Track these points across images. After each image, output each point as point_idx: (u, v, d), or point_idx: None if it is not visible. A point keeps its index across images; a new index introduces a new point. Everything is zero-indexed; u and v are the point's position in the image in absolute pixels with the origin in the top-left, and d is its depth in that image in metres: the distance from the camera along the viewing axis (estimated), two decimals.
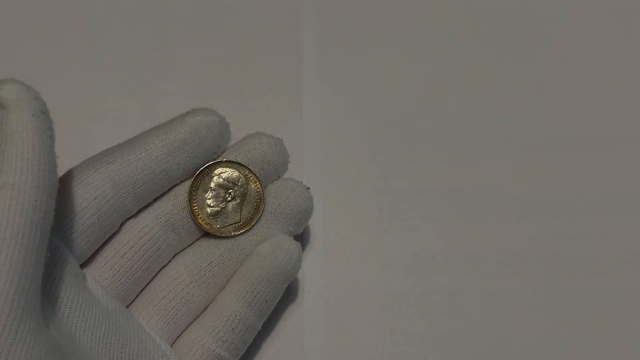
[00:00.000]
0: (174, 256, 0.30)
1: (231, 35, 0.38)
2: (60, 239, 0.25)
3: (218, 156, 0.30)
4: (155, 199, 0.29)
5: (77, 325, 0.24)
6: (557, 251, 0.34)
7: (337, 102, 0.37)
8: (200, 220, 0.29)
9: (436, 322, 0.33)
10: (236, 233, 0.29)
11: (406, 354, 0.32)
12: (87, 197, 0.26)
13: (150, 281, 0.29)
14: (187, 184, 0.29)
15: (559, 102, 0.37)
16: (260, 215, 0.29)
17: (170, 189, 0.29)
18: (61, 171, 0.28)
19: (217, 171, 0.29)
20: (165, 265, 0.29)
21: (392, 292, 0.33)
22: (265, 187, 0.30)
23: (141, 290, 0.29)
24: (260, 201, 0.29)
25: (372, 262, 0.34)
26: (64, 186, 0.26)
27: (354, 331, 0.32)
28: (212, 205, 0.29)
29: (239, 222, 0.29)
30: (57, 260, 0.25)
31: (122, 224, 0.28)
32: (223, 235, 0.29)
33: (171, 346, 0.28)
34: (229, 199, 0.29)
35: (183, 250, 0.30)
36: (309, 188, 0.30)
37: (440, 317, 0.33)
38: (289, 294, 0.33)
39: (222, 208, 0.29)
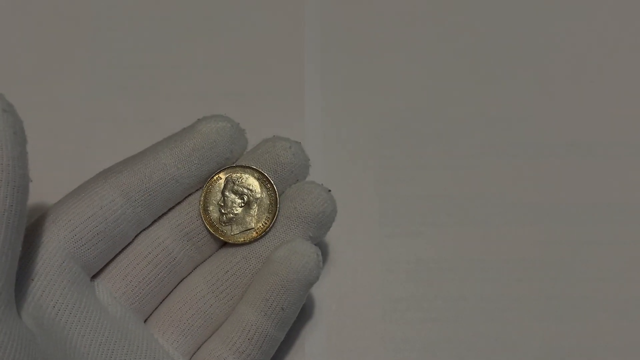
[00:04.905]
0: (195, 268, 0.29)
1: (233, 38, 0.37)
2: (63, 247, 0.25)
3: (232, 162, 0.29)
4: (170, 209, 0.28)
5: (75, 329, 0.24)
6: (561, 257, 0.34)
7: (340, 106, 0.36)
8: (213, 228, 0.28)
9: (438, 328, 0.33)
10: (251, 240, 0.28)
11: (408, 359, 0.32)
12: (93, 206, 0.26)
13: (169, 293, 0.28)
14: (201, 192, 0.28)
15: (563, 108, 0.37)
16: (275, 220, 0.28)
17: (185, 198, 0.29)
18: (65, 177, 0.28)
19: (229, 177, 0.28)
20: (185, 277, 0.29)
21: (394, 298, 0.33)
22: (282, 192, 0.29)
23: (161, 302, 0.28)
24: (274, 206, 0.28)
25: (374, 267, 0.34)
26: (72, 197, 0.26)
27: (355, 336, 0.32)
28: (224, 212, 0.28)
29: (253, 228, 0.28)
30: (56, 267, 0.25)
31: (137, 235, 0.28)
32: (238, 242, 0.28)
33: (189, 359, 0.27)
34: (243, 204, 0.28)
35: (204, 261, 0.29)
36: (330, 190, 0.29)
37: (442, 323, 0.33)
38: None
39: (236, 214, 0.28)
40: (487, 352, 0.32)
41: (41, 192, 0.29)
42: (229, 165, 0.29)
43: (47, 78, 0.36)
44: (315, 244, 0.29)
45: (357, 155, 0.36)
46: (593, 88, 0.37)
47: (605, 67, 0.38)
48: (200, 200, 0.28)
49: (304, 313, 0.33)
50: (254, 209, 0.29)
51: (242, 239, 0.28)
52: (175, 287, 0.28)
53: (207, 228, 0.28)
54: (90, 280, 0.27)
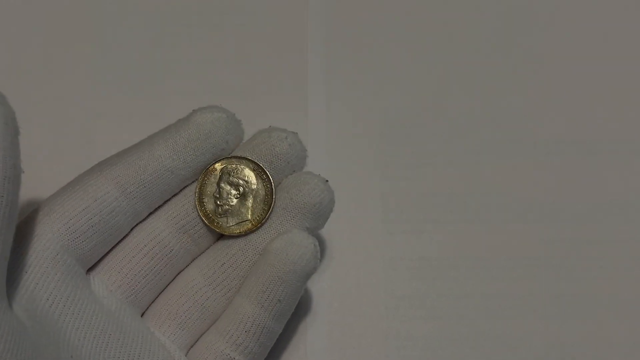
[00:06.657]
0: (192, 260, 0.29)
1: (237, 35, 0.38)
2: (57, 239, 0.25)
3: (228, 153, 0.29)
4: (166, 202, 0.28)
5: (69, 322, 0.24)
6: (564, 255, 0.34)
7: (343, 103, 0.36)
8: (208, 220, 0.28)
9: (441, 326, 0.32)
10: (246, 231, 0.28)
11: (410, 357, 0.32)
12: (87, 198, 0.26)
13: (167, 286, 0.28)
14: (196, 184, 0.28)
15: (566, 106, 0.37)
16: (271, 212, 0.28)
17: (181, 190, 0.28)
18: (68, 172, 0.28)
19: (224, 168, 0.28)
20: (182, 270, 0.28)
21: (397, 295, 0.33)
22: (279, 183, 0.29)
23: (158, 295, 0.28)
24: (270, 197, 0.28)
25: (376, 265, 0.33)
26: (67, 189, 0.26)
27: (357, 334, 0.32)
28: (220, 203, 0.28)
29: (249, 219, 0.28)
30: (50, 259, 0.25)
31: (133, 228, 0.28)
32: (234, 234, 0.28)
33: (187, 352, 0.27)
34: (238, 196, 0.28)
35: (201, 254, 0.29)
36: (327, 180, 0.28)
37: (445, 320, 0.32)
38: None
39: (231, 206, 0.28)
40: (490, 350, 0.32)
41: (43, 188, 0.29)
42: (225, 156, 0.29)
43: (50, 74, 0.37)
44: (314, 235, 0.28)
45: (360, 151, 0.35)
46: (596, 86, 0.37)
47: (607, 66, 0.38)
48: (195, 192, 0.28)
49: (306, 310, 0.32)
50: (250, 201, 0.28)
51: (238, 231, 0.28)
52: (172, 280, 0.28)
53: (202, 220, 0.28)
54: (87, 274, 0.27)
